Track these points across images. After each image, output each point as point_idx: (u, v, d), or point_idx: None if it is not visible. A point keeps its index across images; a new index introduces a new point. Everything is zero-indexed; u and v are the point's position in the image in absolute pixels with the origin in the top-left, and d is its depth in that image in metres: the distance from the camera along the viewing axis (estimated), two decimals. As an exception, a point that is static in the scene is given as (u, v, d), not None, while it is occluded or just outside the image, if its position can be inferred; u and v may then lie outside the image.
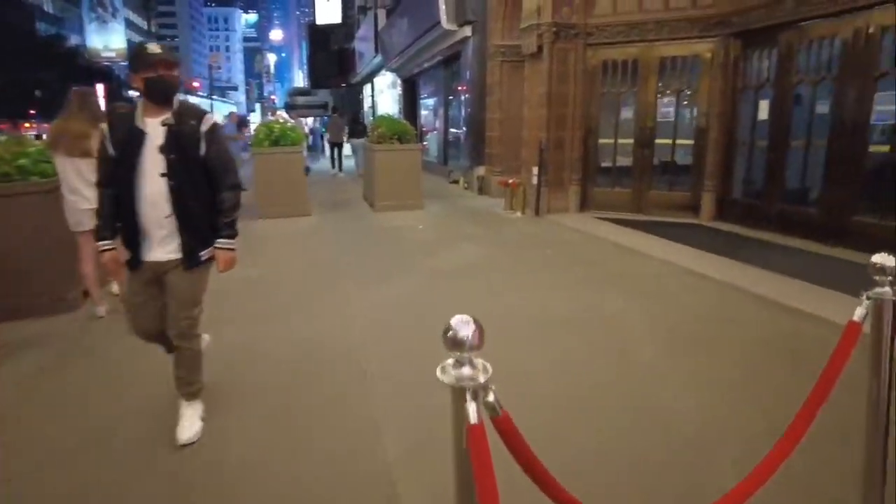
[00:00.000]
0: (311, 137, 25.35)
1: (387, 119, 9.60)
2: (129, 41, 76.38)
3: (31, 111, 42.69)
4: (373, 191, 9.51)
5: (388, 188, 9.21)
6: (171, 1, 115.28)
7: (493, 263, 5.70)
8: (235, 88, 70.42)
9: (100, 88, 63.63)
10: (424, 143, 16.15)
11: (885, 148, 5.88)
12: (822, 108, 6.48)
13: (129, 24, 78.90)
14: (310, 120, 53.47)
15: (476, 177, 11.21)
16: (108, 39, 72.11)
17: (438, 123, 14.83)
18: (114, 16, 73.80)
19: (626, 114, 8.61)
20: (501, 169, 10.64)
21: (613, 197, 8.73)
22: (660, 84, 8.18)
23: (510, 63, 10.36)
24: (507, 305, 4.33)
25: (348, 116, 24.30)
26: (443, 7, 11.32)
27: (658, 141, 8.32)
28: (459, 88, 12.72)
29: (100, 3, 72.40)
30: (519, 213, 8.70)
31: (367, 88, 27.55)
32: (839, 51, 6.16)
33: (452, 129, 13.84)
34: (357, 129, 16.79)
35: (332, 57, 31.99)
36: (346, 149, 18.15)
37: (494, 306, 4.27)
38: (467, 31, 11.08)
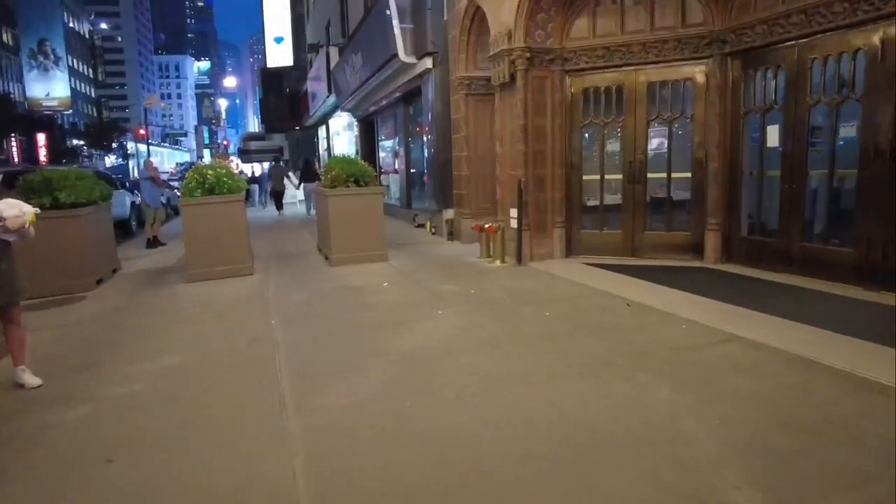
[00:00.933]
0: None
1: (341, 160, 8.41)
2: (73, 89, 74.05)
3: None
4: (328, 242, 8.23)
5: (345, 238, 7.95)
6: (119, 49, 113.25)
7: (480, 337, 4.47)
8: (185, 135, 68.59)
9: (41, 138, 61.19)
10: (385, 185, 15.03)
11: (934, 175, 5.01)
12: (847, 131, 5.62)
13: (74, 73, 76.60)
14: (265, 165, 52.15)
15: (445, 220, 10.06)
16: (50, 87, 69.50)
17: (400, 164, 13.73)
18: (56, 64, 71.53)
19: (613, 146, 7.66)
20: (472, 211, 9.53)
21: (602, 240, 7.69)
22: (649, 112, 7.28)
23: (477, 96, 9.40)
24: (511, 410, 3.09)
25: (300, 161, 23.84)
26: (399, 38, 10.37)
27: (650, 175, 7.37)
28: (422, 126, 11.70)
29: (41, 51, 70.14)
30: (498, 262, 7.54)
31: (321, 131, 26.46)
32: (866, 66, 5.33)
33: (415, 170, 12.76)
34: (310, 173, 16.60)
35: (283, 100, 30.98)
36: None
37: (494, 413, 3.04)
38: (427, 63, 10.12)
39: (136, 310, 6.00)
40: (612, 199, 7.70)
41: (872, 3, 5.16)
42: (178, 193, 29.45)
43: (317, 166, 29.08)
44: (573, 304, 5.33)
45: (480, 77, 9.27)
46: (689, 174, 7.18)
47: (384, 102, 13.89)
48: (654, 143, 7.33)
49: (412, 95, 12.03)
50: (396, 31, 10.33)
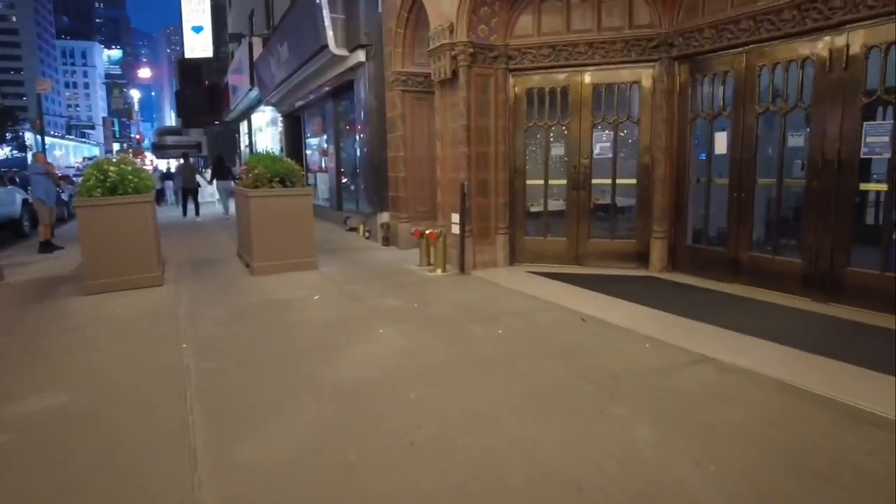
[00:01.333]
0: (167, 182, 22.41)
1: (265, 157, 7.63)
2: (-42, 73, 66.87)
3: None
4: (249, 248, 7.43)
5: (269, 244, 7.19)
6: (13, 31, 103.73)
7: (429, 363, 3.94)
8: (92, 127, 63.70)
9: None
10: (312, 184, 14.19)
11: (882, 186, 4.98)
12: (796, 140, 5.55)
13: (-41, 55, 69.24)
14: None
15: (380, 224, 9.46)
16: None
17: (329, 163, 12.95)
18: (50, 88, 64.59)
19: (558, 150, 7.36)
20: (409, 215, 9.00)
21: (546, 247, 7.37)
22: (594, 115, 7.03)
23: (414, 93, 8.87)
24: (477, 462, 2.59)
25: (213, 158, 22.72)
26: (329, 29, 9.66)
27: (595, 180, 7.12)
28: (354, 123, 11.03)
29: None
30: (440, 271, 7.05)
31: (243, 126, 25.02)
32: (814, 75, 5.26)
33: (347, 169, 12.04)
34: (222, 170, 15.87)
35: (202, 93, 29.10)
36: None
37: (457, 467, 2.53)
38: (360, 56, 9.48)
39: (15, 330, 5.03)
40: (557, 204, 7.41)
41: (821, 12, 5.09)
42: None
43: (238, 164, 27.58)
44: (526, 320, 4.91)
45: (418, 73, 8.76)
46: (634, 180, 6.99)
47: (312, 97, 13.07)
48: (598, 148, 7.08)
49: (343, 90, 11.33)
50: (327, 20, 9.61)
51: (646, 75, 6.74)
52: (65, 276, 7.59)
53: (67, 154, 79.44)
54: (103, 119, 40.70)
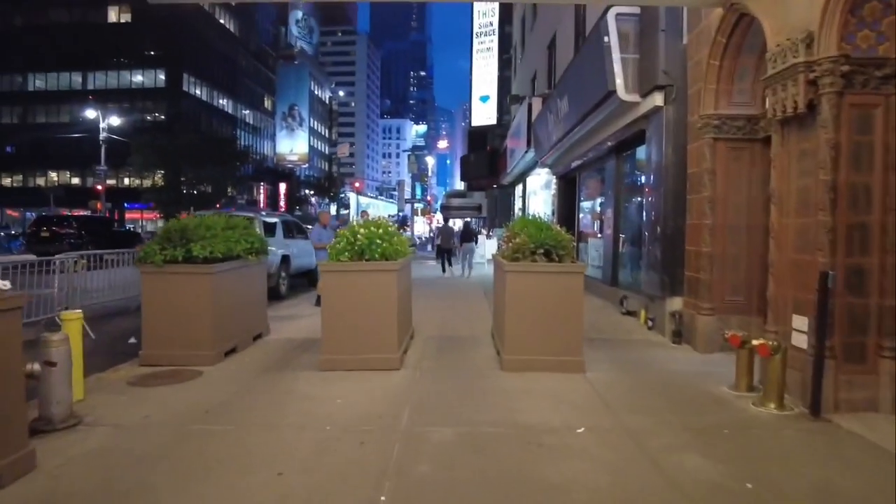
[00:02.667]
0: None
1: (530, 223, 6.20)
2: (311, 147, 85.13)
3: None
4: (502, 331, 5.99)
5: (525, 332, 5.63)
6: (351, 113, 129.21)
7: None
8: (394, 189, 74.48)
9: (282, 187, 70.63)
10: (581, 259, 12.50)
11: None
12: None
13: (313, 132, 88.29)
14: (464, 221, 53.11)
15: (669, 312, 7.20)
16: (293, 145, 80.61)
17: (606, 229, 11.09)
18: (300, 125, 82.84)
19: None
20: (712, 306, 6.57)
21: (981, 388, 4.25)
22: None
23: (729, 142, 6.60)
24: None
25: (496, 219, 24.32)
26: (619, 71, 8.05)
27: None
28: (640, 181, 9.09)
29: (290, 115, 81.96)
30: (772, 407, 4.53)
31: (518, 189, 24.96)
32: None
33: (627, 237, 10.02)
34: (468, 233, 17.79)
35: (483, 158, 30.45)
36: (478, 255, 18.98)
37: None
38: (657, 99, 7.59)
39: (221, 416, 4.33)
40: None
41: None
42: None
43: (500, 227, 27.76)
44: None
45: (737, 116, 6.52)
46: None
47: (591, 155, 11.54)
48: None
49: (629, 144, 9.50)
50: (616, 62, 8.03)
51: None
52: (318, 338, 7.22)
53: (377, 211, 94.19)
54: (398, 182, 46.01)
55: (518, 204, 24.12)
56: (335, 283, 5.70)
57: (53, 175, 56.62)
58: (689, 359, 6.25)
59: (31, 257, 8.33)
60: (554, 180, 16.36)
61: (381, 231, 5.96)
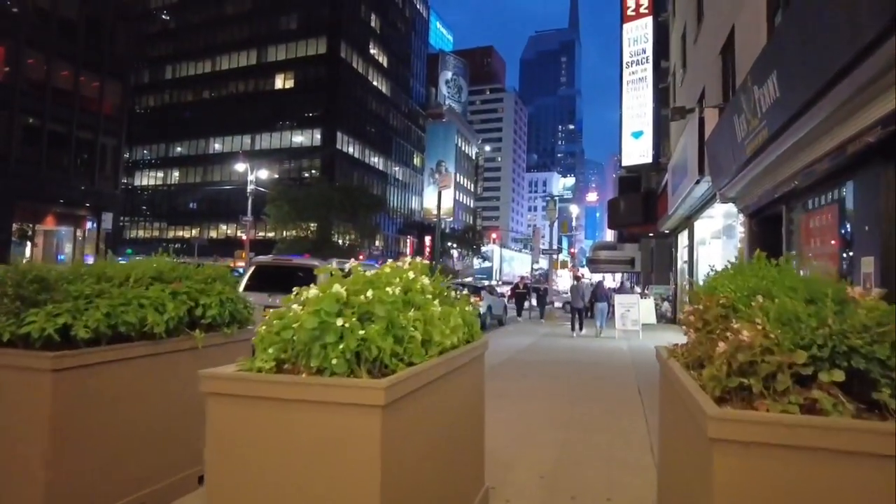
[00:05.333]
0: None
1: (777, 276, 2.33)
2: (456, 200, 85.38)
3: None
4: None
5: None
6: (497, 168, 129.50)
7: None
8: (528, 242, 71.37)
9: (427, 240, 71.23)
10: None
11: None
12: None
13: (459, 187, 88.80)
14: (617, 276, 47.43)
15: None
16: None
17: (865, 287, 6.45)
18: (450, 184, 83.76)
19: None
20: None
21: None
22: None
23: None
24: None
25: (652, 275, 21.65)
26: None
27: None
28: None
29: (437, 170, 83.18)
30: None
31: (681, 238, 20.09)
32: None
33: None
34: (600, 292, 16.74)
35: (636, 202, 25.87)
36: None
37: None
38: None
39: None
40: None
41: None
42: (505, 298, 27.01)
43: (671, 282, 22.62)
44: None
45: None
46: None
47: (826, 164, 7.06)
48: None
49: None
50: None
51: None
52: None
53: (522, 266, 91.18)
54: (533, 227, 42.42)
55: (682, 256, 19.26)
56: (238, 427, 2.26)
57: (197, 229, 61.32)
58: None
59: None
60: (739, 221, 11.72)
61: (395, 289, 2.47)
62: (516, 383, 8.05)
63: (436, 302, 2.80)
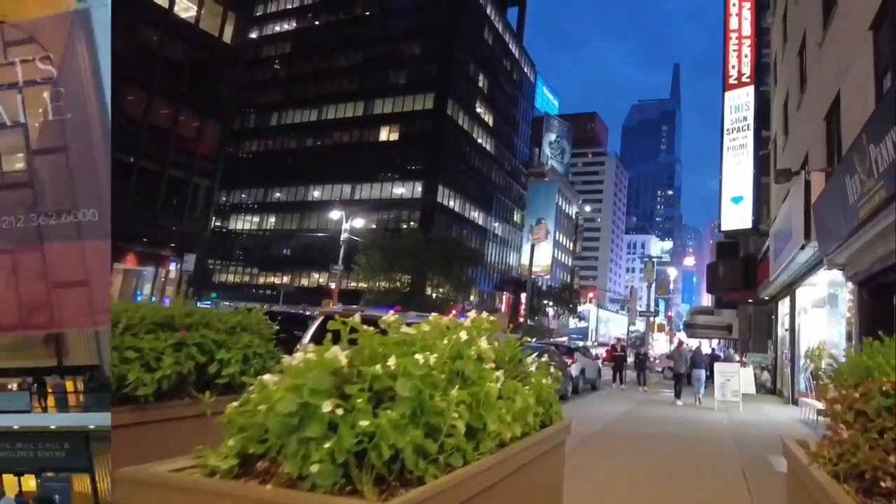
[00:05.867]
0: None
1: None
2: (554, 258, 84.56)
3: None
4: None
5: None
6: (596, 228, 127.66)
7: None
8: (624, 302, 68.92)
9: (523, 296, 70.81)
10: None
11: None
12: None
13: (557, 245, 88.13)
14: (713, 342, 44.56)
15: None
16: (538, 257, 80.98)
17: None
18: (547, 237, 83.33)
19: None
20: None
21: None
22: None
23: None
24: None
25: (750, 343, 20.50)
26: None
27: None
28: None
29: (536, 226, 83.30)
30: None
31: (782, 306, 19.01)
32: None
33: None
34: (698, 359, 16.20)
35: (735, 267, 24.77)
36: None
37: None
38: None
39: None
40: None
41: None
42: (599, 361, 26.12)
43: (770, 350, 21.25)
44: None
45: None
46: None
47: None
48: None
49: None
50: None
51: None
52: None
53: (618, 327, 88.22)
54: (630, 288, 41.31)
55: (783, 324, 18.23)
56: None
57: (288, 276, 62.00)
58: None
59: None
60: (846, 290, 11.14)
61: (430, 356, 1.81)
62: (604, 461, 7.07)
63: (498, 373, 2.11)
